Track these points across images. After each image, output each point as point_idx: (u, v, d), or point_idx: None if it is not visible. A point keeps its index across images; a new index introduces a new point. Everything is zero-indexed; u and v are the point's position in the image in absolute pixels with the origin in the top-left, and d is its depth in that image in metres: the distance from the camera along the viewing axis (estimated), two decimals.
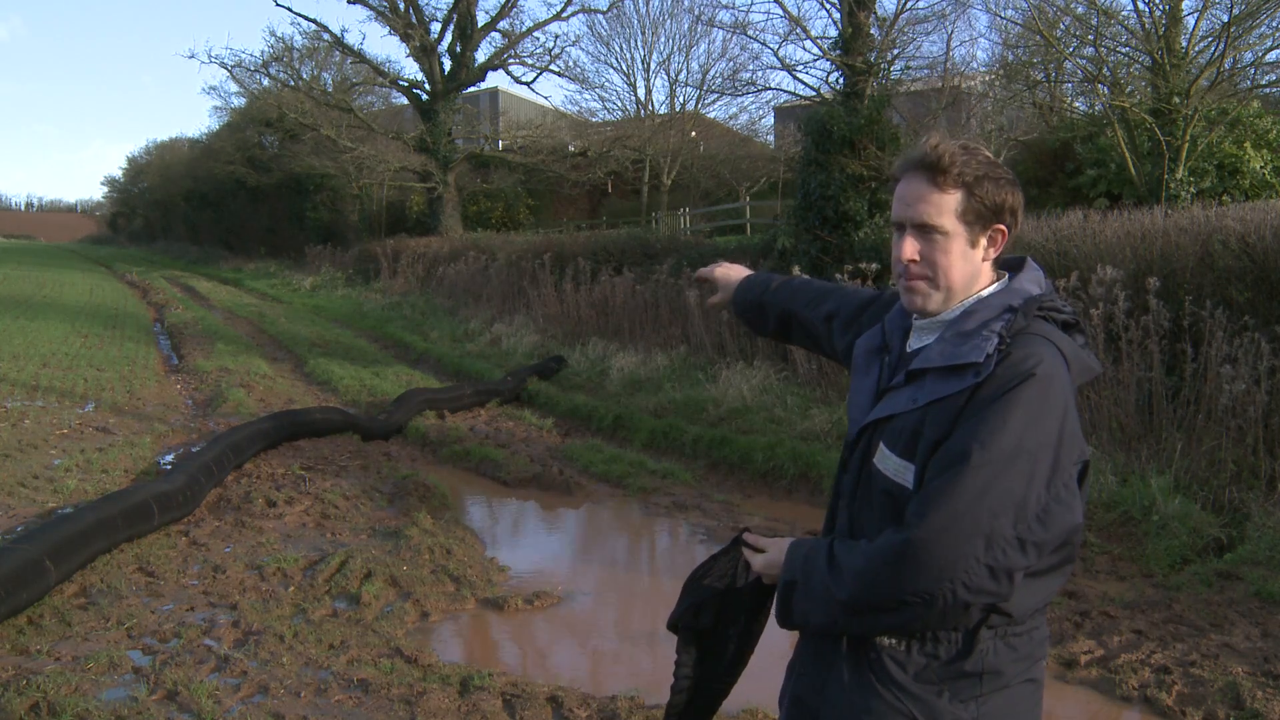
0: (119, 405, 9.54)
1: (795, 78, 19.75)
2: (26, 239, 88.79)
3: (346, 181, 30.14)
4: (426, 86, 26.53)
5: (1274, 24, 11.47)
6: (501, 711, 3.64)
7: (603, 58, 44.99)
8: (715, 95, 28.01)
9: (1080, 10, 12.46)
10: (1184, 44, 11.47)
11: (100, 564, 5.03)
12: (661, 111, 28.78)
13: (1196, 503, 5.55)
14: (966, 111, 14.81)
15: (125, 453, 7.53)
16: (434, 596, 4.87)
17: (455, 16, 25.71)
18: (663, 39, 39.10)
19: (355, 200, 32.51)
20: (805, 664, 1.67)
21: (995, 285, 1.61)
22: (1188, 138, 10.64)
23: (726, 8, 22.21)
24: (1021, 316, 1.52)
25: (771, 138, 29.33)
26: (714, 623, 1.75)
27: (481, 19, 26.22)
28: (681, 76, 32.79)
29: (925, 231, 1.56)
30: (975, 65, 18.29)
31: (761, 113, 30.87)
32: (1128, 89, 12.14)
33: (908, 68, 13.93)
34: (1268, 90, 12.82)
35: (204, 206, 42.90)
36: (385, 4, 25.80)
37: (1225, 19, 10.94)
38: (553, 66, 26.40)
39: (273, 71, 27.77)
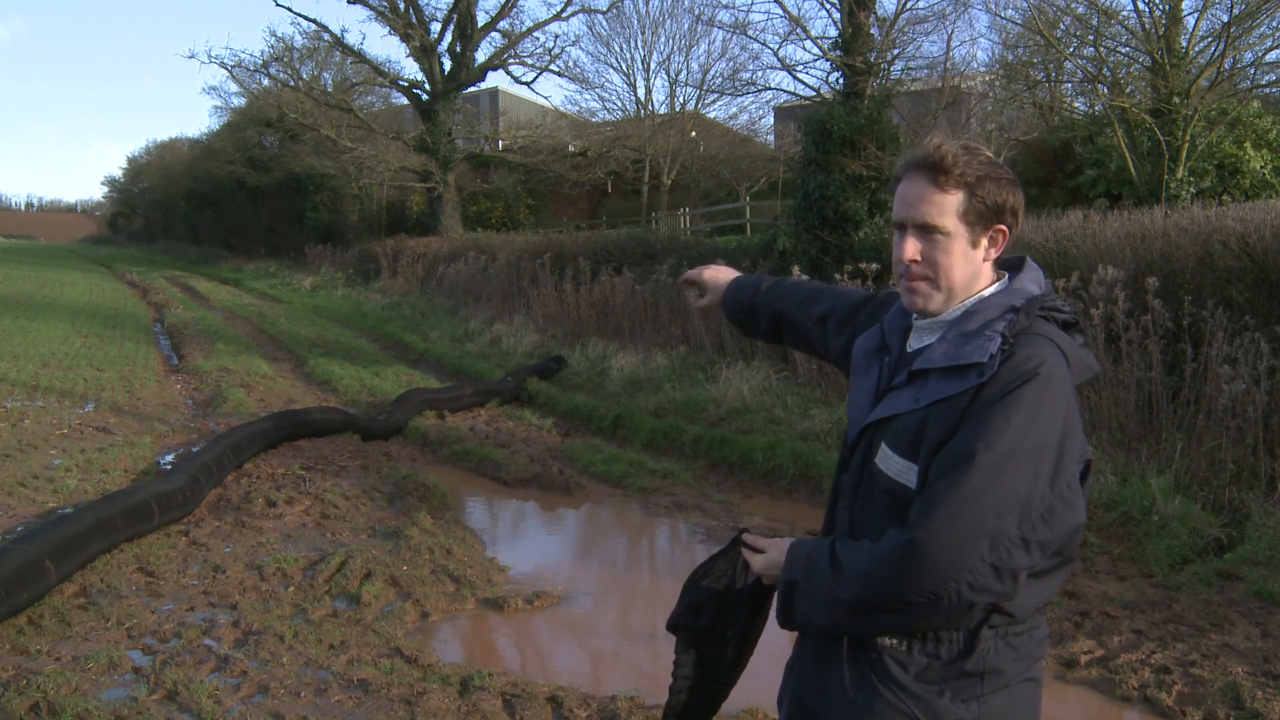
0: (119, 405, 9.54)
1: (795, 78, 19.72)
2: (26, 239, 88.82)
3: (346, 181, 30.15)
4: (426, 86, 26.53)
5: (1274, 24, 11.49)
6: (501, 711, 3.64)
7: (603, 58, 45.03)
8: (715, 95, 28.00)
9: (1080, 10, 12.47)
10: (1184, 44, 11.48)
11: (100, 564, 5.03)
12: (661, 111, 28.79)
13: (1196, 503, 5.55)
14: (966, 111, 14.81)
15: (125, 453, 7.53)
16: (434, 596, 4.87)
17: (455, 16, 25.72)
18: (663, 39, 39.12)
19: (355, 200, 32.52)
20: (805, 665, 1.67)
21: (996, 285, 1.61)
22: (1188, 138, 10.65)
23: (726, 8, 22.18)
24: (1024, 316, 1.52)
25: (771, 138, 29.32)
26: (712, 624, 1.75)
27: (481, 19, 26.27)
28: (681, 76, 32.76)
29: (927, 232, 1.56)
30: (975, 65, 18.31)
31: (761, 113, 30.94)
32: (1128, 89, 12.14)
33: (908, 68, 13.94)
34: (1268, 90, 12.83)
35: (204, 206, 42.91)
36: (385, 4, 25.80)
37: (1225, 19, 10.95)
38: (553, 66, 26.44)
39: (273, 71, 27.80)
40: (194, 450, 7.43)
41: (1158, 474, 5.78)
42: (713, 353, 10.74)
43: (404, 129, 28.72)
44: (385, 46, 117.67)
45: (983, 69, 16.96)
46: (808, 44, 17.81)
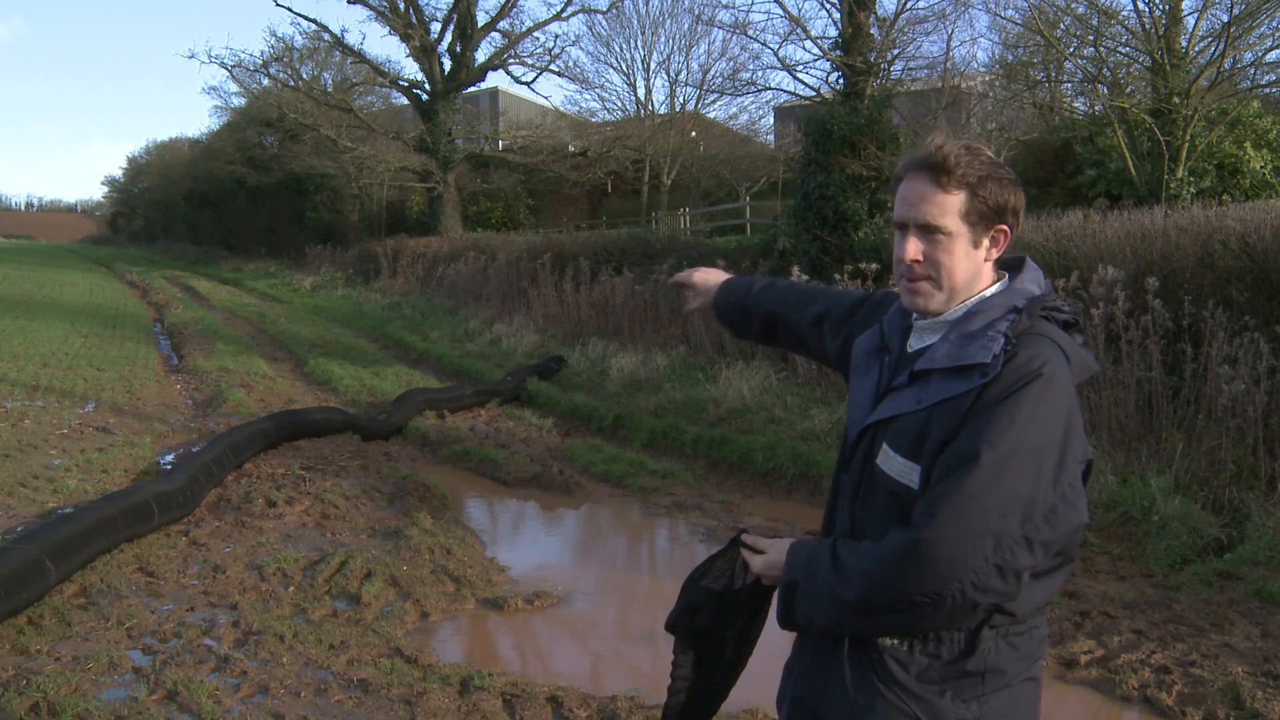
0: (119, 405, 9.54)
1: (795, 78, 19.73)
2: (26, 239, 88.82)
3: (346, 181, 30.15)
4: (426, 86, 26.54)
5: (1274, 24, 11.50)
6: (501, 711, 3.64)
7: (603, 58, 45.09)
8: (715, 95, 28.02)
9: (1080, 10, 12.48)
10: (1184, 44, 11.48)
11: (100, 564, 5.03)
12: (661, 111, 28.81)
13: (1196, 503, 5.55)
14: (966, 111, 14.81)
15: (125, 453, 7.53)
16: (434, 596, 4.86)
17: (455, 16, 25.72)
18: (663, 39, 39.23)
19: (355, 200, 32.53)
20: (804, 665, 1.66)
21: (997, 285, 1.61)
22: (1187, 138, 10.65)
23: (726, 8, 22.23)
24: (1026, 317, 1.52)
25: (771, 138, 29.33)
26: (711, 624, 1.74)
27: (481, 19, 26.29)
28: (681, 76, 32.77)
29: (928, 232, 1.56)
30: (975, 65, 18.33)
31: (761, 113, 30.95)
32: (1128, 89, 12.15)
33: (908, 68, 13.96)
34: (1268, 90, 12.84)
35: (204, 206, 42.91)
36: (385, 4, 25.81)
37: (1225, 19, 10.95)
38: (553, 66, 26.46)
39: (273, 71, 27.81)
40: (194, 450, 7.43)
41: (1158, 474, 5.78)
42: (713, 353, 10.74)
43: (404, 129, 28.73)
44: (385, 46, 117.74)
45: (983, 69, 16.98)
46: (808, 44, 17.85)
